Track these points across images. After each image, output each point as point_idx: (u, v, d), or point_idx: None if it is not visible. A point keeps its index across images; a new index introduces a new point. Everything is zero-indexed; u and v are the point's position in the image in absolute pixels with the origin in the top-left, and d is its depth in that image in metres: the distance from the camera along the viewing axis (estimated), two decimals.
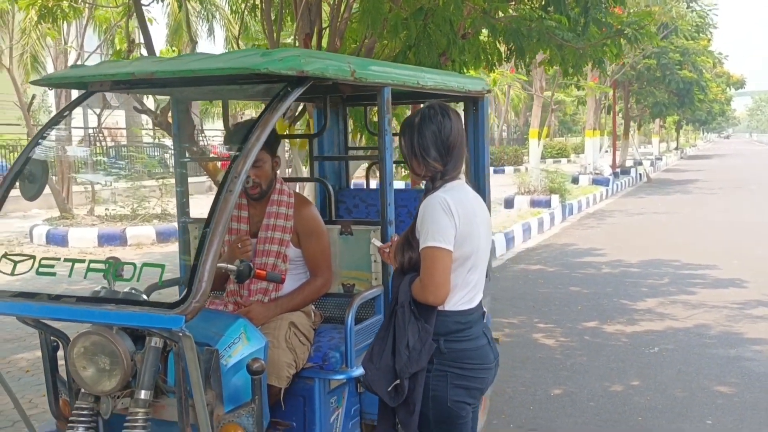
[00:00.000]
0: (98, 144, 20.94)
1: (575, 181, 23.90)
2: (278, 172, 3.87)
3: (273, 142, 3.73)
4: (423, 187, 3.13)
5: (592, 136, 25.49)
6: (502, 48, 8.65)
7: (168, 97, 4.74)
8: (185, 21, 11.44)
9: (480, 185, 5.04)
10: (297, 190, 7.75)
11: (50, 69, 18.12)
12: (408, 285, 2.90)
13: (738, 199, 21.16)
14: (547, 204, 17.46)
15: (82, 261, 2.90)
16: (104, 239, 13.27)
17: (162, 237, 13.46)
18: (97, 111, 16.72)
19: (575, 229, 15.58)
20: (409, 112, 8.78)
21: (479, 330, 3.00)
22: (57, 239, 13.35)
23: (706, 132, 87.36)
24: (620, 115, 31.53)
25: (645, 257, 11.67)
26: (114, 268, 3.14)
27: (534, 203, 17.73)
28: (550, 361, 6.57)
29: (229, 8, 15.54)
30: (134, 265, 3.15)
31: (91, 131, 21.88)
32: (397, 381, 2.88)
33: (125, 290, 3.06)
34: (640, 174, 29.64)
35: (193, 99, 4.76)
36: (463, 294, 2.92)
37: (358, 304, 3.59)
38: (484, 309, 3.12)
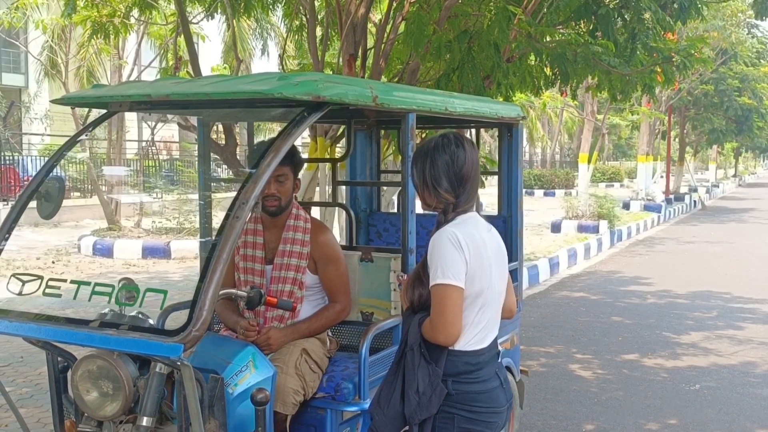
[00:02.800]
0: (150, 156, 21.27)
1: (626, 206, 23.44)
2: (296, 195, 3.81)
3: (298, 161, 3.67)
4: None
5: (645, 161, 25.00)
6: (548, 71, 8.53)
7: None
8: (232, 39, 11.57)
9: (513, 213, 4.94)
10: (320, 215, 7.71)
11: (105, 83, 18.51)
12: (418, 325, 2.79)
13: None
14: (595, 229, 17.13)
15: (88, 284, 2.87)
16: (148, 252, 13.42)
17: None
18: (151, 124, 17.00)
19: (623, 257, 15.24)
20: None
21: (491, 371, 2.87)
22: (103, 250, 13.55)
23: (767, 159, 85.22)
24: (676, 140, 30.91)
25: (693, 288, 11.33)
26: (118, 293, 3.11)
27: (581, 228, 17.40)
28: (585, 395, 6.37)
29: (283, 26, 15.67)
30: (137, 290, 3.12)
31: (144, 144, 22.29)
32: (406, 427, 2.77)
33: (132, 314, 3.02)
34: (695, 201, 28.97)
35: (215, 120, 4.76)
36: (474, 333, 2.80)
37: (374, 334, 3.50)
38: (499, 349, 2.99)
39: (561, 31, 8.22)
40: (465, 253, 2.72)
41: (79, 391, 2.91)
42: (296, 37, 10.49)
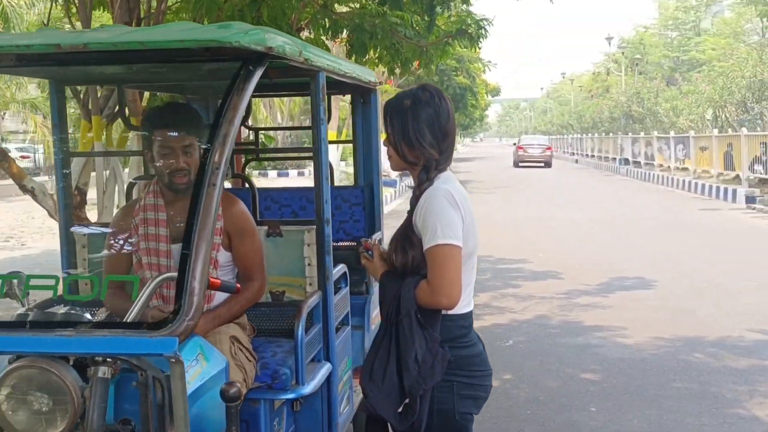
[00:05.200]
0: None
1: None
2: None
3: (203, 127, 3.24)
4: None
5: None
6: (339, 43, 8.48)
7: None
8: None
9: (374, 183, 4.83)
10: None
11: None
12: (411, 290, 2.59)
13: (512, 197, 22.54)
14: None
15: None
16: None
17: None
18: None
19: None
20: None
21: (475, 334, 2.77)
22: None
23: (464, 137, 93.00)
24: None
25: None
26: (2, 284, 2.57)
27: None
28: None
29: None
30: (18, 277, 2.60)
31: None
32: (407, 400, 2.57)
33: (61, 311, 2.49)
34: None
35: (134, 83, 4.12)
36: (466, 295, 2.66)
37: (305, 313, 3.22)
38: None
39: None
40: (461, 211, 2.59)
41: (4, 411, 2.34)
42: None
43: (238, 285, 2.87)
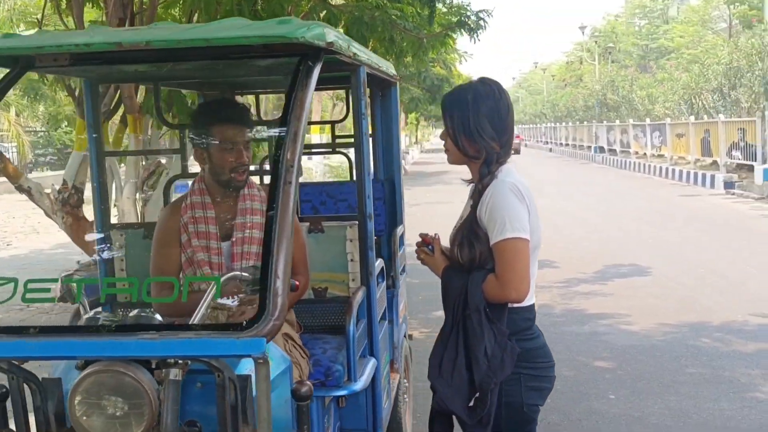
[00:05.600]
0: None
1: None
2: None
3: (252, 125, 3.22)
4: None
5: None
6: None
7: None
8: None
9: (395, 176, 4.80)
10: None
11: None
12: (479, 285, 2.59)
13: None
14: None
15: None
16: None
17: None
18: None
19: None
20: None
21: (537, 326, 2.78)
22: None
23: (435, 128, 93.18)
24: None
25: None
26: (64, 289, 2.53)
27: None
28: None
29: None
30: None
31: None
32: (477, 394, 2.57)
33: (131, 314, 2.45)
34: None
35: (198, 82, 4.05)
36: (531, 287, 2.67)
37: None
38: None
39: None
40: (527, 203, 2.60)
41: (78, 418, 2.30)
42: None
43: (297, 282, 2.85)
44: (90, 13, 9.52)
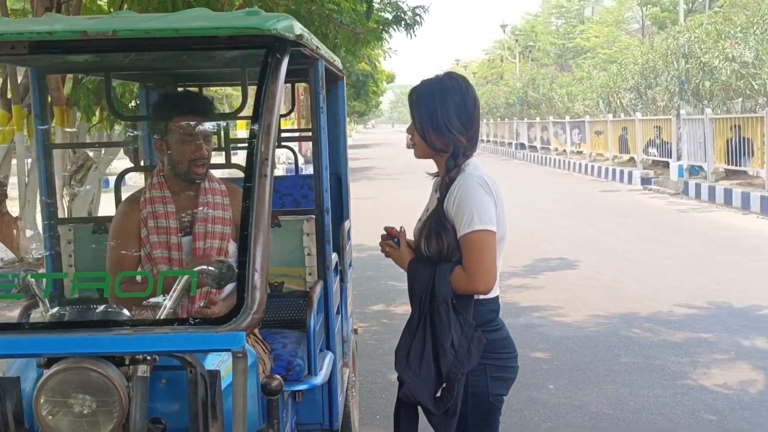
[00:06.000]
0: None
1: None
2: None
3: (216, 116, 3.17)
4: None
5: None
6: None
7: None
8: None
9: (342, 170, 4.81)
10: None
11: None
12: (447, 277, 2.62)
13: (416, 182, 22.75)
14: None
15: None
16: None
17: None
18: None
19: None
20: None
21: (500, 318, 2.84)
22: None
23: (356, 123, 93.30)
24: None
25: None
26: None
27: None
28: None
29: None
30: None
31: None
32: (444, 385, 2.61)
33: (98, 310, 2.38)
34: None
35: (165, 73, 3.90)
36: (496, 279, 2.72)
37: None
38: None
39: None
40: (494, 196, 2.64)
41: (43, 417, 2.23)
42: None
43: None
44: (12, 2, 9.21)
